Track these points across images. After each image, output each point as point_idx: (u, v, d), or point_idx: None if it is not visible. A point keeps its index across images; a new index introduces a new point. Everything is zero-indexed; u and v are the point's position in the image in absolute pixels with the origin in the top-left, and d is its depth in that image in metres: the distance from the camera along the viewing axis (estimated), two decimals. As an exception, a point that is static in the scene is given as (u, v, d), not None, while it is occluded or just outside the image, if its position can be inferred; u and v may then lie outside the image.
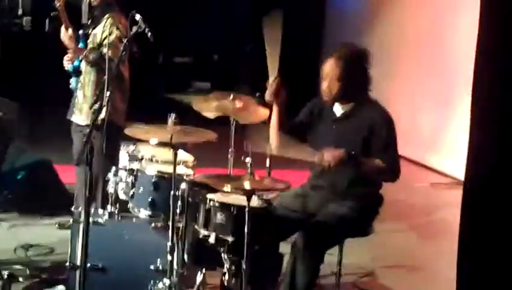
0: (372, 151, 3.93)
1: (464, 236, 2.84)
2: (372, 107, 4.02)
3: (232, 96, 4.53)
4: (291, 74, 4.22)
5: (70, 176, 5.47)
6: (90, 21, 4.98)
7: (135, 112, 4.96)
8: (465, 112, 3.18)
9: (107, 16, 4.84)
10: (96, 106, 3.81)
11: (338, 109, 4.07)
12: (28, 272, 4.55)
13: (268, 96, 3.99)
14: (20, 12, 9.26)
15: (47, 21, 4.93)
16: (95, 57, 4.75)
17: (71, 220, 4.14)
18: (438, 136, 8.52)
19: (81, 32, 4.94)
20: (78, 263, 3.69)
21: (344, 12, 10.80)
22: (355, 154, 3.83)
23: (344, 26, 10.49)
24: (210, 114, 4.63)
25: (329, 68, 3.94)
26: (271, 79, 3.95)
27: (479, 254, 2.79)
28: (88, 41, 4.93)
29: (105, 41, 4.58)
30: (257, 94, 4.50)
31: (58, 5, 4.86)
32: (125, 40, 4.05)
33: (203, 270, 4.11)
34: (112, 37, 4.66)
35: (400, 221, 6.59)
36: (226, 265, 3.87)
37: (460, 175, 4.13)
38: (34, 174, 6.00)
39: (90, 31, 4.93)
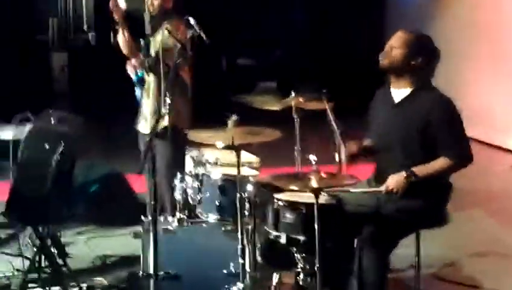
0: (437, 140, 3.84)
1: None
2: (430, 92, 3.93)
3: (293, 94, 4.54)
4: (355, 69, 4.18)
5: (144, 185, 5.49)
6: (150, 31, 4.97)
7: (203, 117, 4.91)
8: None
9: (165, 23, 4.82)
10: (159, 112, 3.80)
11: (396, 94, 4.00)
12: (105, 282, 4.59)
13: (345, 160, 4.04)
14: (85, 27, 9.42)
15: (111, 34, 4.96)
16: (151, 63, 4.74)
17: (141, 229, 4.15)
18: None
19: (142, 42, 4.95)
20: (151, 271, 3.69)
21: (406, 4, 10.56)
22: (415, 173, 3.79)
23: (407, 19, 10.25)
24: (274, 107, 4.66)
25: (396, 38, 3.93)
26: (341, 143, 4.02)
27: None
28: (150, 50, 4.93)
29: (162, 48, 4.59)
30: (324, 91, 4.49)
31: (116, 17, 4.89)
32: (179, 45, 4.03)
33: (278, 271, 4.04)
34: (168, 43, 4.67)
35: (480, 207, 6.38)
36: (300, 264, 3.81)
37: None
38: (107, 186, 6.05)
39: (151, 40, 4.93)
